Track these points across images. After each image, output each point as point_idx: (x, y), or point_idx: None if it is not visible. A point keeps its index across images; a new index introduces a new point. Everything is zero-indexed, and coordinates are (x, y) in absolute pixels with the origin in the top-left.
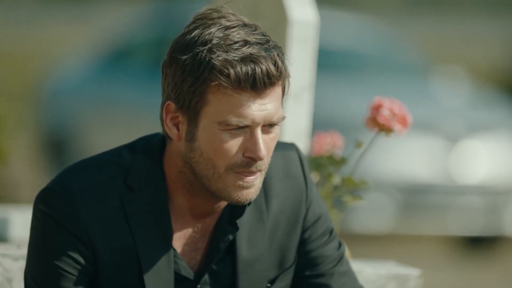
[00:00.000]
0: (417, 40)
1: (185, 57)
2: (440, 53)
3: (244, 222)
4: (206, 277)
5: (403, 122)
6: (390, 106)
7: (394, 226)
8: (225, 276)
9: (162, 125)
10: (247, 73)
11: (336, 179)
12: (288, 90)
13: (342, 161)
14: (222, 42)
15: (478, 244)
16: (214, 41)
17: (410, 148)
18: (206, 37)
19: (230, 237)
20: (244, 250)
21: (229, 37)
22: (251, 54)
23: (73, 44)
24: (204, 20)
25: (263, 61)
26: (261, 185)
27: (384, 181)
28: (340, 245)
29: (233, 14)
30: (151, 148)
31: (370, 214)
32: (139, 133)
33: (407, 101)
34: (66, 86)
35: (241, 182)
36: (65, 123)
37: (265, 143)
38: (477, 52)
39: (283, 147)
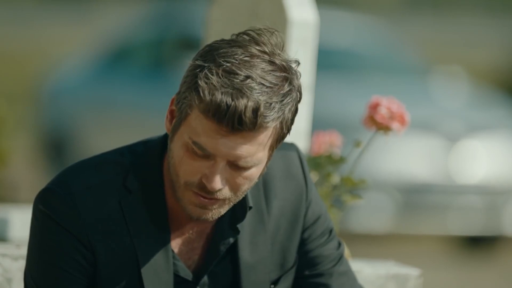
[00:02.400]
0: (417, 40)
1: (192, 62)
2: (440, 53)
3: (245, 224)
4: (205, 278)
5: (401, 120)
6: (388, 104)
7: (393, 226)
8: (224, 277)
9: None
10: (219, 106)
11: (335, 179)
12: (283, 140)
13: (341, 160)
14: (228, 68)
15: (478, 244)
16: (221, 62)
17: (410, 148)
18: (222, 55)
19: (231, 240)
20: (246, 253)
21: (238, 66)
22: (239, 90)
23: (73, 45)
24: (244, 37)
25: (243, 102)
26: (223, 211)
27: (384, 180)
28: (339, 244)
29: (273, 46)
30: (151, 150)
31: (370, 214)
32: (138, 134)
33: (406, 101)
34: (65, 87)
35: (196, 201)
36: (65, 123)
37: (232, 179)
38: (477, 52)
39: (283, 147)
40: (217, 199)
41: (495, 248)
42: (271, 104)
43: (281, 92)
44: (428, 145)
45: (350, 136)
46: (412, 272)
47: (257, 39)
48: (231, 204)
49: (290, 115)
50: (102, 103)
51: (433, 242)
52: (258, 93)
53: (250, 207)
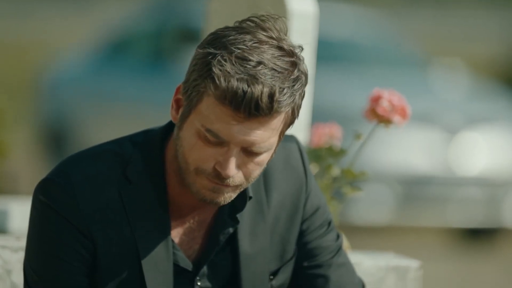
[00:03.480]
0: (416, 33)
1: (201, 51)
2: (439, 45)
3: (245, 215)
4: (204, 268)
5: (402, 113)
6: (389, 97)
7: (393, 218)
8: (224, 267)
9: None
10: (236, 93)
11: (335, 171)
12: (292, 125)
13: (341, 152)
14: (239, 54)
15: (477, 236)
16: (232, 49)
17: (410, 140)
18: (232, 42)
19: (230, 230)
20: (245, 243)
21: (249, 52)
22: (254, 76)
23: (73, 37)
24: (250, 24)
25: (259, 88)
26: (234, 196)
27: (384, 172)
28: (338, 236)
29: (279, 31)
30: (152, 139)
31: (370, 206)
32: (138, 125)
33: (406, 93)
34: (65, 79)
35: (209, 186)
36: (65, 115)
37: (244, 166)
38: (476, 45)
39: (283, 139)
40: (232, 186)
41: (495, 240)
42: (284, 89)
43: (292, 77)
44: (428, 137)
45: (350, 128)
46: (412, 264)
47: (263, 25)
48: (242, 189)
49: (300, 100)
50: (101, 95)
51: (433, 234)
52: (271, 78)
53: (250, 197)
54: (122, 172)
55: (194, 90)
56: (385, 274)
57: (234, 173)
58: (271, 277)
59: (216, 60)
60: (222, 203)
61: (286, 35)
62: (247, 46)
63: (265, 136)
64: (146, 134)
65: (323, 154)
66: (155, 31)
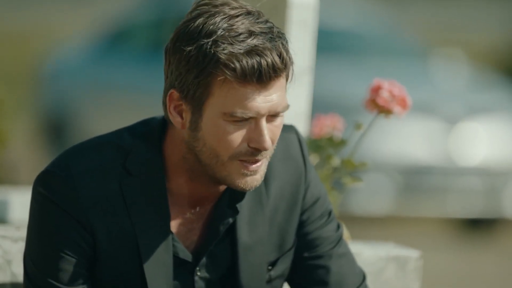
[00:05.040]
0: (417, 22)
1: (189, 48)
2: (440, 35)
3: (244, 205)
4: (204, 259)
5: (403, 103)
6: (390, 88)
7: (393, 208)
8: (223, 258)
9: (165, 111)
10: (253, 66)
11: (336, 161)
12: (292, 78)
13: (342, 143)
14: (227, 33)
15: (477, 226)
16: (219, 33)
17: (410, 130)
18: (211, 27)
19: (230, 220)
20: (244, 234)
21: (234, 27)
22: (256, 46)
23: (73, 27)
24: (207, 7)
25: (268, 53)
26: (266, 170)
27: (384, 163)
28: (338, 226)
29: (236, 1)
30: (150, 131)
31: (370, 196)
32: (138, 115)
33: (406, 83)
34: (65, 69)
35: (245, 171)
36: (65, 105)
37: (270, 132)
38: (477, 35)
39: (282, 129)
40: (264, 158)
41: (495, 230)
42: (279, 46)
43: (277, 34)
44: (428, 127)
45: (350, 118)
46: (412, 254)
47: (217, 2)
48: (268, 159)
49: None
50: (102, 84)
51: (433, 224)
52: (268, 41)
53: None
54: (122, 164)
55: (198, 87)
56: (385, 264)
57: (270, 143)
58: (270, 267)
59: (214, 47)
60: (260, 182)
61: None
62: (227, 25)
63: (282, 95)
64: (144, 125)
65: (323, 145)
66: (155, 21)
